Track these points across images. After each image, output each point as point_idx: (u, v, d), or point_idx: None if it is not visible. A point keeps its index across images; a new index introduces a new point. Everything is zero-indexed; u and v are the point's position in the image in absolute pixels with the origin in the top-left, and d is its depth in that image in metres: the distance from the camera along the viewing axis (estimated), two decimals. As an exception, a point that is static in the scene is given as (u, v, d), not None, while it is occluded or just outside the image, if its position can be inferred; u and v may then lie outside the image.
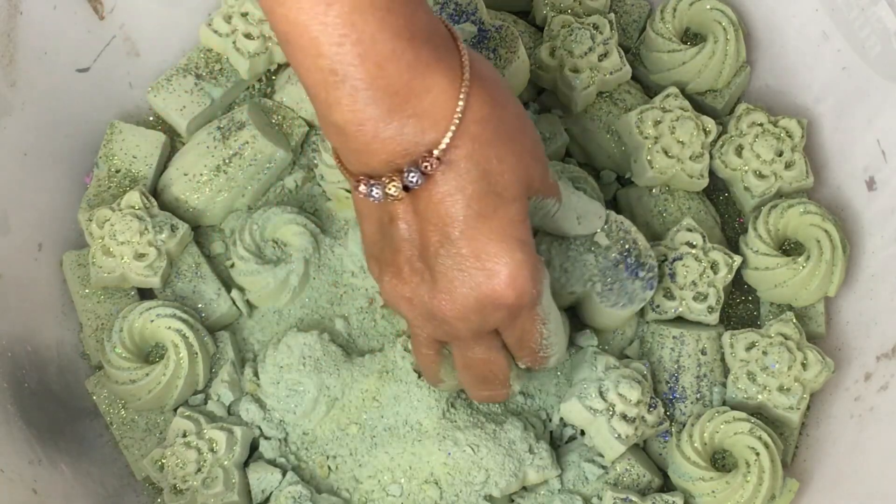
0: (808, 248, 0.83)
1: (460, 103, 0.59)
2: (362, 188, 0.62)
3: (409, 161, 0.60)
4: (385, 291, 0.67)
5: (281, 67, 0.91)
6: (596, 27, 0.87)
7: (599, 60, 0.87)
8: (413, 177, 0.60)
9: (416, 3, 0.59)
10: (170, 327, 0.80)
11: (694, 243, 0.83)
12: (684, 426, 0.80)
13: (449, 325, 0.65)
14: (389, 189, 0.61)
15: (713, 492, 0.77)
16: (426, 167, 0.60)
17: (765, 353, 0.80)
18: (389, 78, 0.57)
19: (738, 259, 0.83)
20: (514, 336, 0.68)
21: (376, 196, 0.62)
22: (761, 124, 0.87)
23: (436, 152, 0.59)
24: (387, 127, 0.58)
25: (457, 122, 0.59)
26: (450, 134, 0.59)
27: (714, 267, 0.83)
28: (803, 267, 0.83)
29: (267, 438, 0.80)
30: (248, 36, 0.87)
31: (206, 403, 0.82)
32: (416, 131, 0.59)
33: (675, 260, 0.82)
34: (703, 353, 0.82)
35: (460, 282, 0.62)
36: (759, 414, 0.81)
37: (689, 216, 0.85)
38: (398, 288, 0.65)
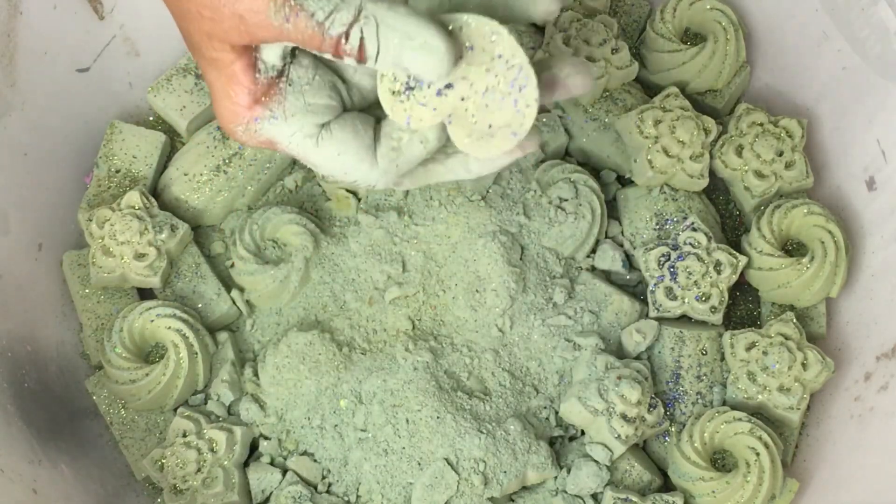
0: (812, 249, 0.83)
1: None
2: None
3: None
4: None
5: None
6: (605, 25, 0.88)
7: (612, 53, 0.87)
8: None
9: None
10: (170, 327, 0.80)
11: (698, 242, 0.83)
12: (684, 426, 0.80)
13: None
14: None
15: (713, 492, 0.77)
16: None
17: (765, 353, 0.80)
18: None
19: (743, 260, 0.83)
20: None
21: None
22: (761, 124, 0.87)
23: None
24: None
25: None
26: None
27: (717, 267, 0.83)
28: (807, 268, 0.82)
29: (267, 438, 0.80)
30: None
31: (206, 403, 0.82)
32: None
33: (678, 259, 0.82)
34: (704, 353, 0.82)
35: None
36: (760, 414, 0.81)
37: (693, 214, 0.85)
38: None
